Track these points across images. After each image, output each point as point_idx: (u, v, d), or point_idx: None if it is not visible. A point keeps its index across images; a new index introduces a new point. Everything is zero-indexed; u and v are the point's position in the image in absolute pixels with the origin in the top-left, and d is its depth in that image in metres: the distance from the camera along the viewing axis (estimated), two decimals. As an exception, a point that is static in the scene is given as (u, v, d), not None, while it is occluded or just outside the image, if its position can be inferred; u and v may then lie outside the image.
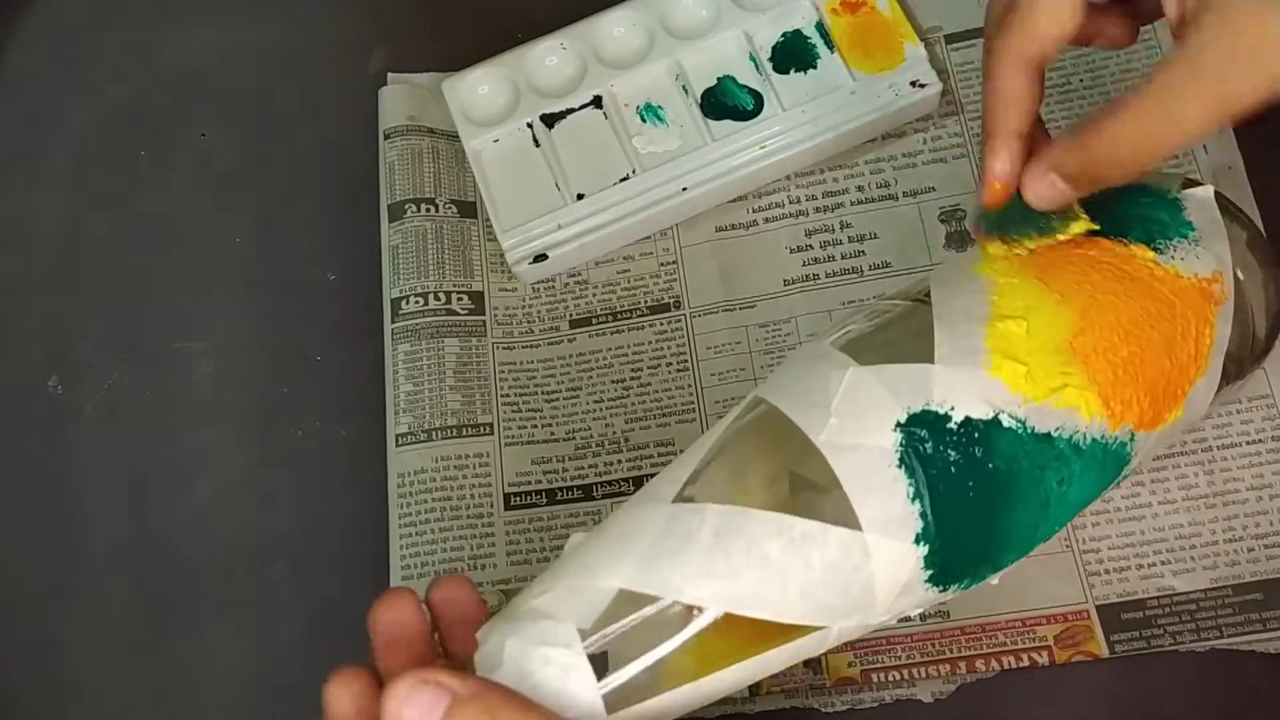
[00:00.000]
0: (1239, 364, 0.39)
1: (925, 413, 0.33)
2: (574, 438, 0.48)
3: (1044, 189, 0.35)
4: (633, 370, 0.49)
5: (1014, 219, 0.37)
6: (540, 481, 0.47)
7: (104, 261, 0.53)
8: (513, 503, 0.47)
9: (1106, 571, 0.43)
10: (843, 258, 0.49)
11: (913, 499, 0.32)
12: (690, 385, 0.48)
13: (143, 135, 0.55)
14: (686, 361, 0.49)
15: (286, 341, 0.51)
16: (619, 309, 0.50)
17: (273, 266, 0.52)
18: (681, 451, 0.46)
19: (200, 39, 0.57)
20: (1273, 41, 0.30)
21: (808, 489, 0.32)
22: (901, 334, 0.35)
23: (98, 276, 0.53)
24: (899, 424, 0.33)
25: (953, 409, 0.33)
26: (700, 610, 0.31)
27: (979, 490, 0.33)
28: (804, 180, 0.51)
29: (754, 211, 0.50)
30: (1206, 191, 0.39)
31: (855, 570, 0.32)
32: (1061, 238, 0.36)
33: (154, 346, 0.51)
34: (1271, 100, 0.31)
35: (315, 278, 0.52)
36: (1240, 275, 0.38)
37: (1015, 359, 0.34)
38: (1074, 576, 0.43)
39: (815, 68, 0.50)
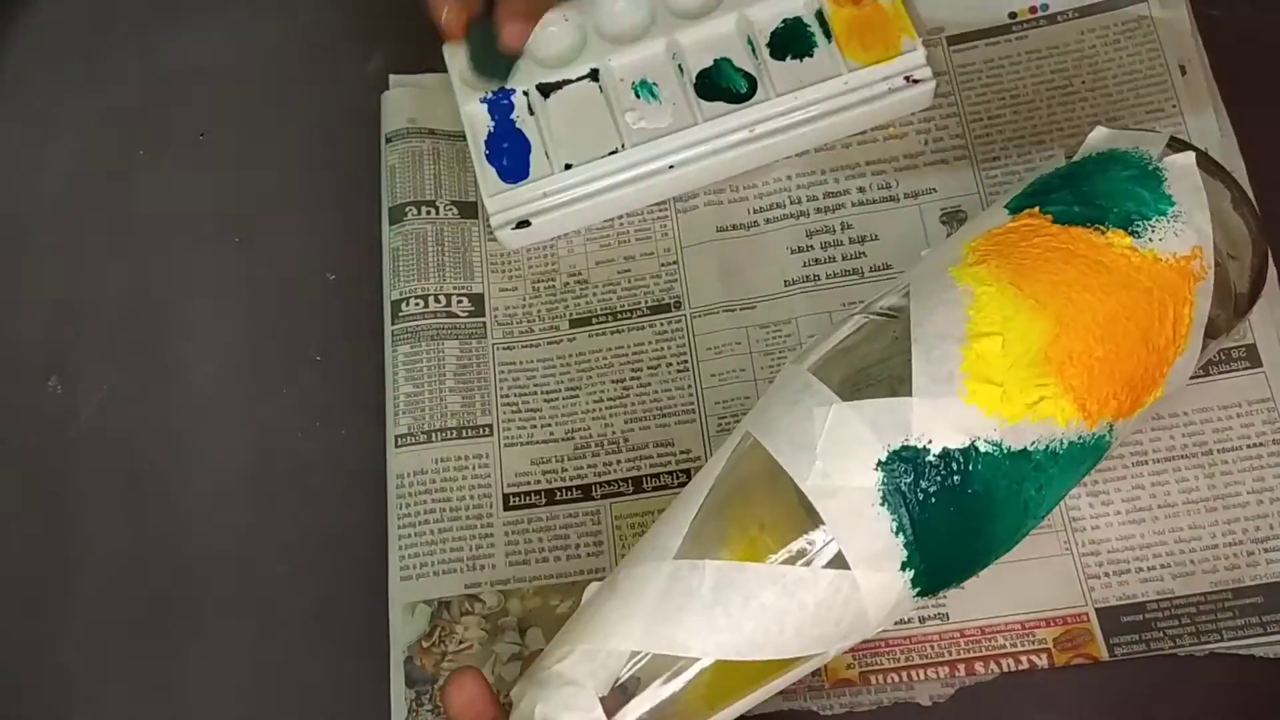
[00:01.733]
0: (1222, 323, 0.39)
1: (904, 449, 0.35)
2: (573, 438, 0.48)
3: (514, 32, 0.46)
4: (633, 370, 0.49)
5: (483, 63, 0.48)
6: (539, 482, 0.47)
7: (103, 262, 0.53)
8: (512, 503, 0.47)
9: (1106, 574, 0.43)
10: (844, 259, 0.49)
11: (896, 533, 0.35)
12: (690, 386, 0.48)
13: (143, 135, 0.55)
14: (687, 362, 0.48)
15: (286, 341, 0.51)
16: (619, 309, 0.50)
17: (273, 266, 0.52)
18: (681, 451, 0.47)
19: (200, 39, 0.57)
20: None
21: (798, 535, 0.35)
22: (880, 354, 0.37)
23: (97, 277, 0.53)
24: (880, 463, 0.35)
25: (930, 442, 0.35)
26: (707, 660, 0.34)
27: (959, 514, 0.35)
28: (805, 180, 0.50)
29: (755, 212, 0.50)
30: (1188, 158, 0.39)
31: (846, 604, 0.35)
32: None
33: (154, 346, 0.51)
34: None
35: (315, 278, 0.52)
36: (1221, 243, 0.38)
37: (990, 381, 0.35)
38: (1074, 579, 0.43)
39: (811, 56, 0.50)
